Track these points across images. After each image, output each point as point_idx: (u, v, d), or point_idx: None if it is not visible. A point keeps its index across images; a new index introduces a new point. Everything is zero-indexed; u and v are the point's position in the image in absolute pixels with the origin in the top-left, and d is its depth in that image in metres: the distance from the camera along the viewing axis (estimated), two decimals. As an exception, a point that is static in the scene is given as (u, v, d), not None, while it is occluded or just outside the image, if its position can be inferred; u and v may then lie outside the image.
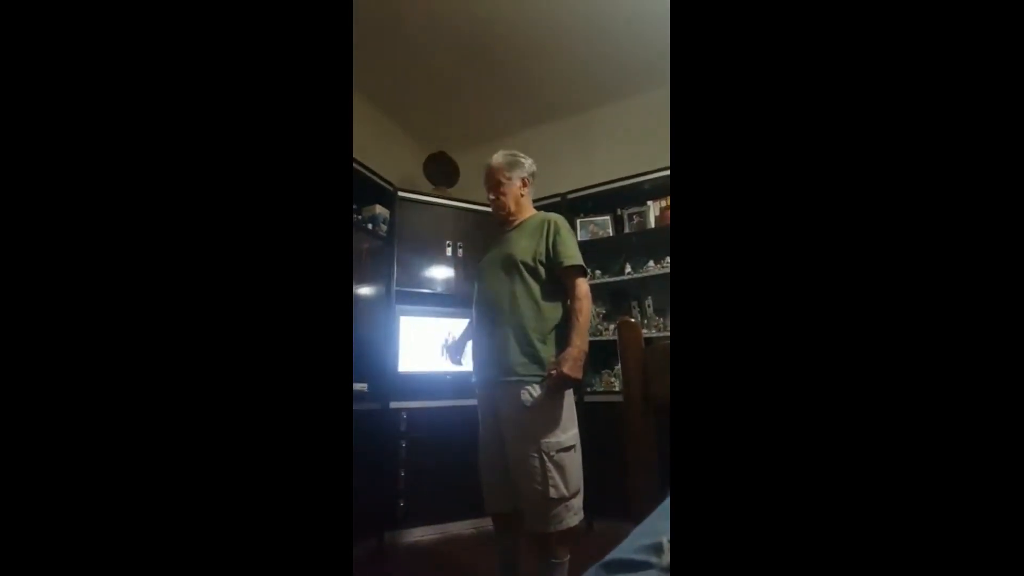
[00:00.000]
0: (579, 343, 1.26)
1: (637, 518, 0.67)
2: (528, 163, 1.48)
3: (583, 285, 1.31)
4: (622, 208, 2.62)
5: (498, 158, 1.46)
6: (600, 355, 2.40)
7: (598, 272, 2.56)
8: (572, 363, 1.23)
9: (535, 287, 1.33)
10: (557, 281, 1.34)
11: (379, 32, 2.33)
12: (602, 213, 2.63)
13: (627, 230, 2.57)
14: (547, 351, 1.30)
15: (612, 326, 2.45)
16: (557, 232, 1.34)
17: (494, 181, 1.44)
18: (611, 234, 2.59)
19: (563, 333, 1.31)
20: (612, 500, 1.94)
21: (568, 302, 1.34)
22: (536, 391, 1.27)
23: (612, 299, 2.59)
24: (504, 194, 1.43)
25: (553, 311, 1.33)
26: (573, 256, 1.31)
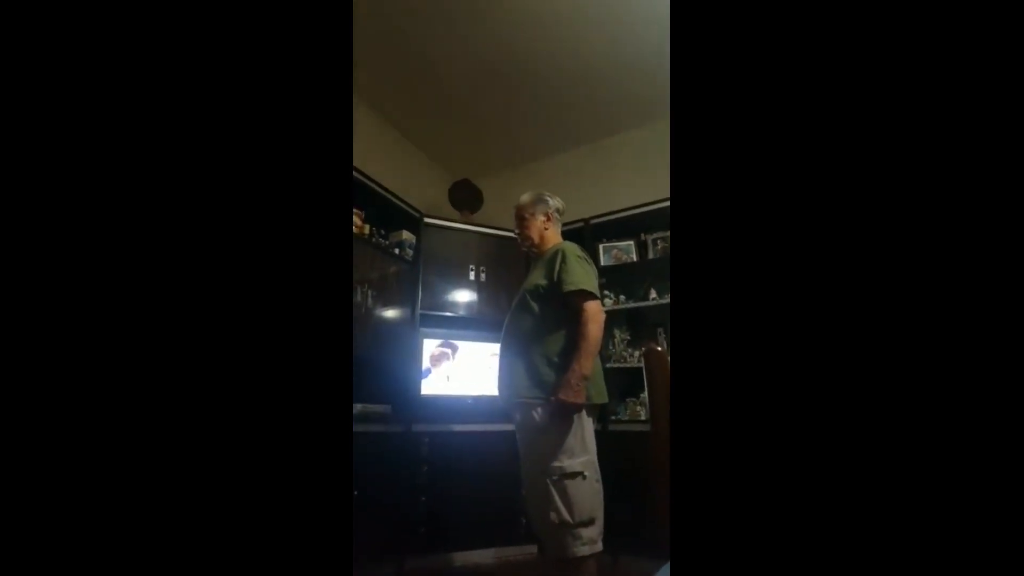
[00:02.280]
0: (578, 368, 1.27)
1: (664, 555, 0.64)
2: (552, 200, 1.59)
3: (589, 309, 1.32)
4: (646, 233, 2.61)
5: (525, 197, 1.60)
6: (625, 382, 2.36)
7: (622, 297, 2.54)
8: (567, 388, 1.26)
9: (542, 314, 1.39)
10: (567, 308, 1.36)
11: (405, 62, 2.43)
12: (625, 238, 2.63)
13: (651, 255, 2.56)
14: (552, 375, 1.32)
15: (637, 352, 2.41)
16: (564, 260, 1.39)
17: (519, 217, 1.59)
18: (635, 259, 2.58)
19: (572, 357, 1.32)
20: (639, 534, 1.87)
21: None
22: (539, 414, 1.30)
23: (637, 325, 2.56)
24: (527, 228, 1.56)
25: (559, 336, 1.36)
26: (575, 282, 1.34)
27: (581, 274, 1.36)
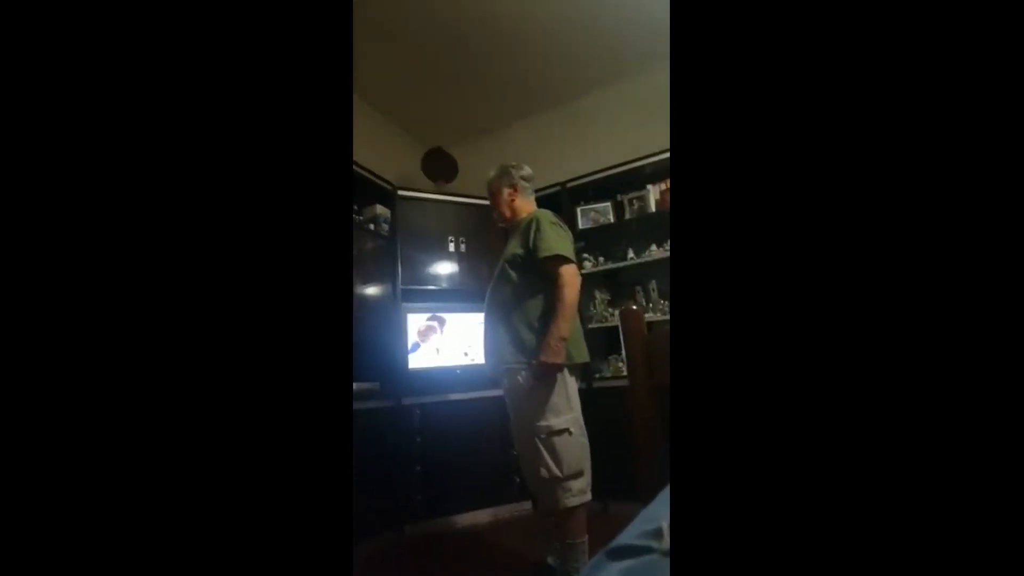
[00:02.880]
0: (555, 329, 1.32)
1: (646, 500, 0.69)
2: (516, 171, 1.58)
3: (565, 273, 1.36)
4: (622, 194, 2.61)
5: (490, 173, 1.61)
6: (606, 341, 2.42)
7: (601, 259, 2.56)
8: (547, 350, 1.31)
9: (521, 281, 1.43)
10: (544, 273, 1.39)
11: (371, 29, 2.33)
12: (602, 200, 2.63)
13: (628, 215, 2.57)
14: (533, 339, 1.37)
15: (617, 312, 2.46)
16: (538, 228, 1.41)
17: (489, 194, 1.62)
18: (612, 220, 2.59)
19: (550, 321, 1.36)
20: (625, 483, 1.96)
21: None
22: (524, 377, 1.36)
23: (616, 285, 2.60)
24: (497, 204, 1.59)
25: (537, 302, 1.40)
26: (550, 247, 1.37)
27: (555, 240, 1.39)
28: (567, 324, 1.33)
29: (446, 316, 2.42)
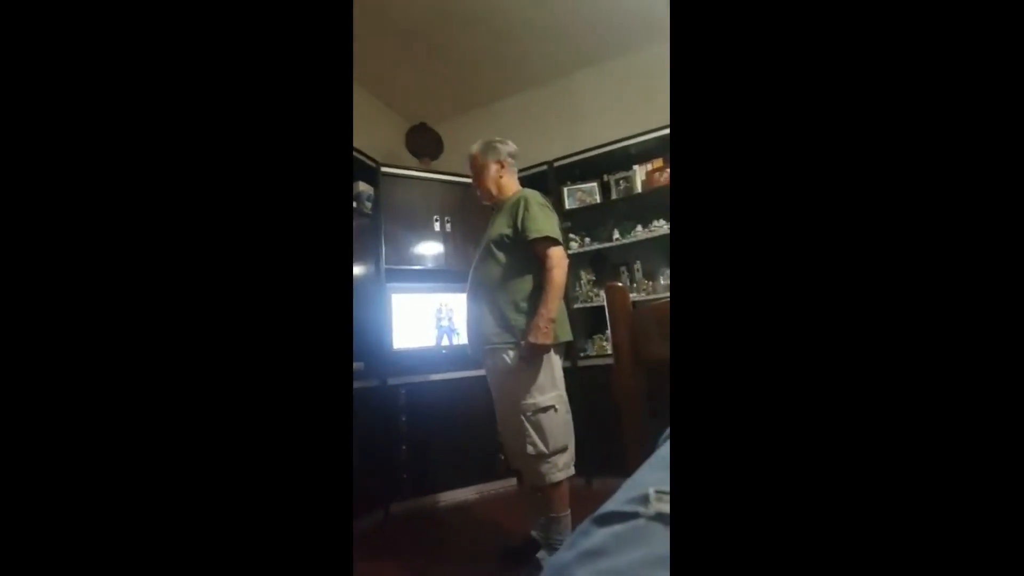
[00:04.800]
0: (544, 311, 1.32)
1: (630, 475, 0.70)
2: (504, 146, 1.54)
3: (553, 255, 1.36)
4: (608, 174, 2.60)
5: (474, 147, 1.55)
6: (591, 320, 2.44)
7: (587, 239, 2.56)
8: (536, 331, 1.32)
9: (507, 262, 1.41)
10: (530, 253, 1.38)
11: (356, 6, 2.24)
12: (589, 180, 2.61)
13: (614, 196, 2.56)
14: (520, 320, 1.37)
15: (602, 292, 2.47)
16: (527, 208, 1.39)
17: (473, 170, 1.56)
18: (599, 200, 2.58)
19: (538, 302, 1.36)
20: (609, 458, 2.01)
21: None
22: (511, 357, 1.36)
23: (601, 265, 2.61)
24: (483, 180, 1.53)
25: (524, 283, 1.40)
26: (538, 228, 1.36)
27: (544, 221, 1.38)
28: (555, 306, 1.34)
29: (430, 296, 2.40)
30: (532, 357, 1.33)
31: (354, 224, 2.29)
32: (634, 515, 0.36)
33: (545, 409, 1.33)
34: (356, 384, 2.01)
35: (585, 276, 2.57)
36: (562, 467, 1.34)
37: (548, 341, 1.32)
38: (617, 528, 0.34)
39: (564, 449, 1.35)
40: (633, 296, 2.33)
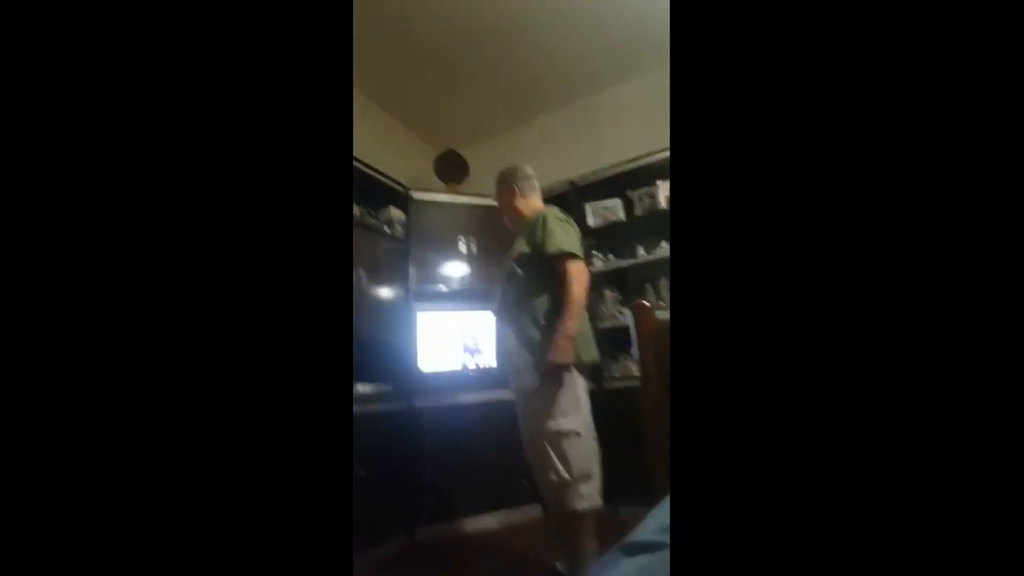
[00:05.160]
0: (563, 328, 1.29)
1: (658, 501, 0.67)
2: (518, 169, 1.59)
3: (573, 270, 1.33)
4: (632, 190, 2.58)
5: (496, 177, 1.63)
6: (617, 340, 2.39)
7: (611, 257, 2.54)
8: (555, 349, 1.28)
9: (528, 280, 1.40)
10: (551, 271, 1.37)
11: (381, 33, 2.34)
12: (612, 197, 2.60)
13: (638, 212, 2.54)
14: (540, 338, 1.35)
15: (627, 310, 2.43)
16: (544, 224, 1.39)
17: (496, 198, 1.63)
18: (622, 218, 2.56)
19: (558, 318, 1.33)
20: (637, 487, 1.93)
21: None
22: (531, 377, 1.33)
23: (626, 283, 2.57)
24: (503, 206, 1.60)
25: (545, 300, 1.37)
26: (556, 244, 1.35)
27: (561, 236, 1.37)
28: (574, 322, 1.30)
29: (456, 315, 2.41)
30: (551, 376, 1.30)
31: (385, 247, 2.34)
32: (661, 545, 0.35)
33: (568, 434, 1.29)
34: (382, 407, 2.02)
35: (610, 294, 2.53)
36: (586, 496, 1.28)
37: (567, 359, 1.28)
38: (645, 558, 0.33)
39: (589, 477, 1.30)
40: (659, 314, 2.28)
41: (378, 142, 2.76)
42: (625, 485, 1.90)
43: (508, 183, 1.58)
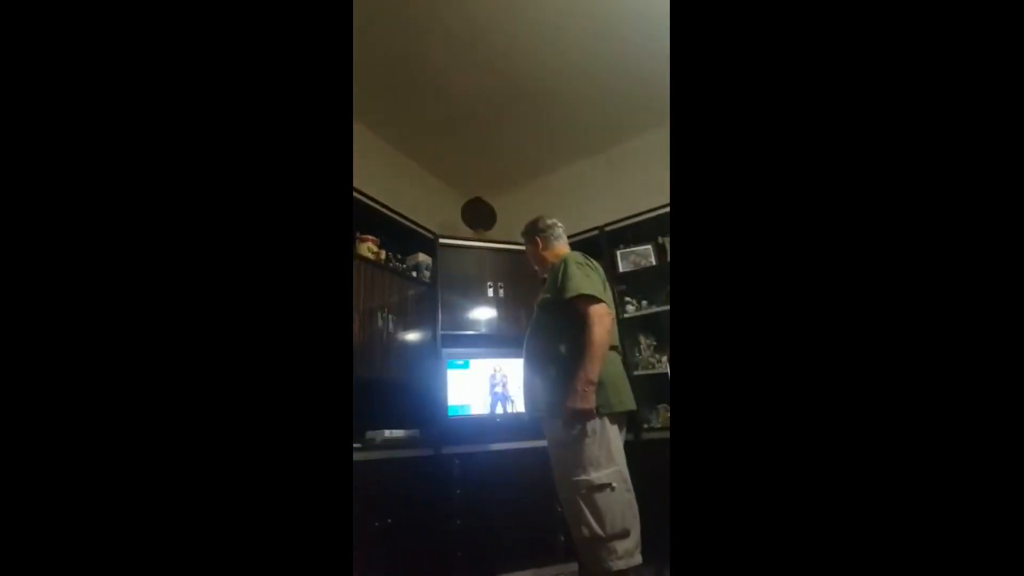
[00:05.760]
0: (583, 373, 1.25)
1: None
2: (539, 221, 1.66)
3: (593, 313, 1.31)
4: (663, 236, 2.57)
5: (521, 230, 1.73)
6: (655, 388, 2.30)
7: (644, 302, 2.50)
8: (574, 394, 1.24)
9: (552, 324, 1.40)
10: (573, 315, 1.35)
11: (413, 88, 2.49)
12: (643, 243, 2.60)
13: (670, 258, 2.52)
14: (564, 384, 1.30)
15: (664, 358, 2.36)
16: (565, 270, 1.40)
17: (525, 250, 1.71)
18: (654, 263, 2.54)
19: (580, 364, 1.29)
20: (681, 545, 1.80)
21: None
22: (558, 425, 1.28)
23: (660, 329, 2.51)
24: (530, 257, 1.68)
25: (568, 344, 1.35)
26: (575, 287, 1.34)
27: (581, 279, 1.36)
28: (595, 366, 1.26)
29: (482, 361, 2.39)
30: (573, 423, 1.25)
31: (413, 292, 2.37)
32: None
33: (601, 487, 1.22)
34: (410, 452, 1.98)
35: (645, 341, 2.48)
36: (623, 554, 1.19)
37: (588, 405, 1.23)
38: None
39: (626, 534, 1.21)
40: (696, 361, 2.20)
41: (410, 191, 2.88)
42: (668, 543, 1.78)
43: (531, 235, 1.64)
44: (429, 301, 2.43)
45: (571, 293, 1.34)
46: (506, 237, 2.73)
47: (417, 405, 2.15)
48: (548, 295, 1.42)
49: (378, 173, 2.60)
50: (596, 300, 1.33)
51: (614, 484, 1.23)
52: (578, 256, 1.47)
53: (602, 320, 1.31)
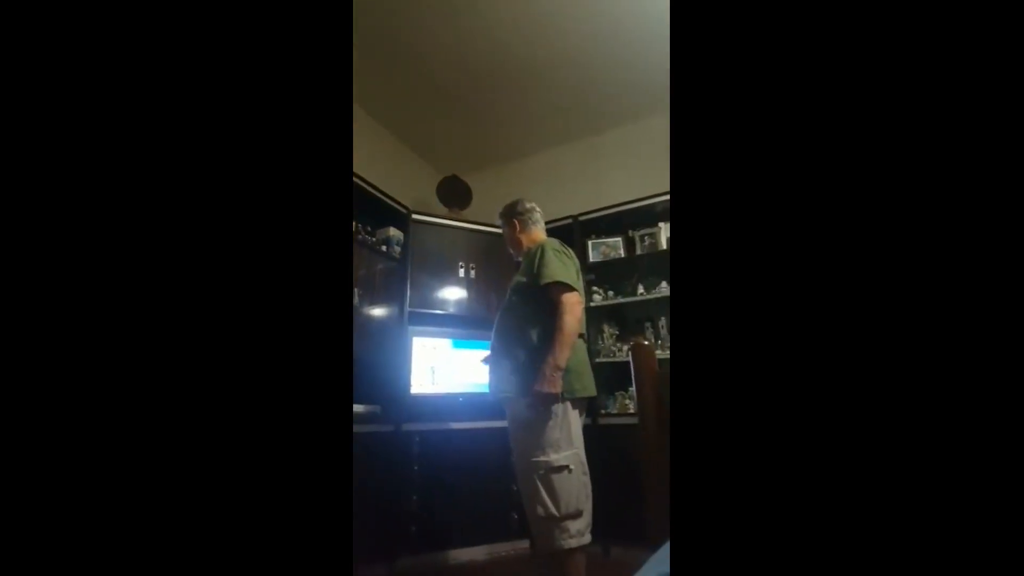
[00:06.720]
0: (552, 359, 1.29)
1: (654, 543, 0.65)
2: (518, 204, 1.65)
3: (566, 300, 1.34)
4: (633, 229, 2.62)
5: (499, 211, 1.70)
6: (614, 376, 2.37)
7: (610, 293, 2.55)
8: (542, 379, 1.28)
9: (524, 309, 1.42)
10: (546, 301, 1.38)
11: (393, 59, 2.42)
12: (614, 234, 2.64)
13: (639, 251, 2.57)
14: (532, 367, 1.34)
15: (625, 347, 2.43)
16: (541, 256, 1.42)
17: (502, 232, 1.68)
18: (623, 255, 2.59)
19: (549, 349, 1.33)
20: (629, 525, 1.89)
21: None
22: (522, 406, 1.32)
23: (624, 320, 2.58)
24: (507, 239, 1.66)
25: (538, 330, 1.38)
26: (550, 274, 1.37)
27: (557, 266, 1.38)
28: (564, 353, 1.30)
29: (450, 341, 2.40)
30: (539, 406, 1.29)
31: (381, 267, 2.34)
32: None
33: (559, 469, 1.27)
34: (370, 428, 1.98)
35: (608, 330, 2.54)
36: (575, 533, 1.25)
37: (554, 390, 1.27)
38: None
39: (578, 514, 1.26)
40: (658, 354, 2.28)
41: (385, 163, 2.81)
42: (617, 524, 1.86)
43: (509, 218, 1.63)
44: (398, 277, 2.40)
45: (546, 279, 1.36)
46: (481, 218, 2.72)
47: (380, 381, 2.14)
48: (523, 279, 1.44)
49: (352, 142, 2.52)
50: (570, 288, 1.36)
51: (571, 466, 1.28)
52: (555, 243, 1.49)
53: (574, 309, 1.34)
